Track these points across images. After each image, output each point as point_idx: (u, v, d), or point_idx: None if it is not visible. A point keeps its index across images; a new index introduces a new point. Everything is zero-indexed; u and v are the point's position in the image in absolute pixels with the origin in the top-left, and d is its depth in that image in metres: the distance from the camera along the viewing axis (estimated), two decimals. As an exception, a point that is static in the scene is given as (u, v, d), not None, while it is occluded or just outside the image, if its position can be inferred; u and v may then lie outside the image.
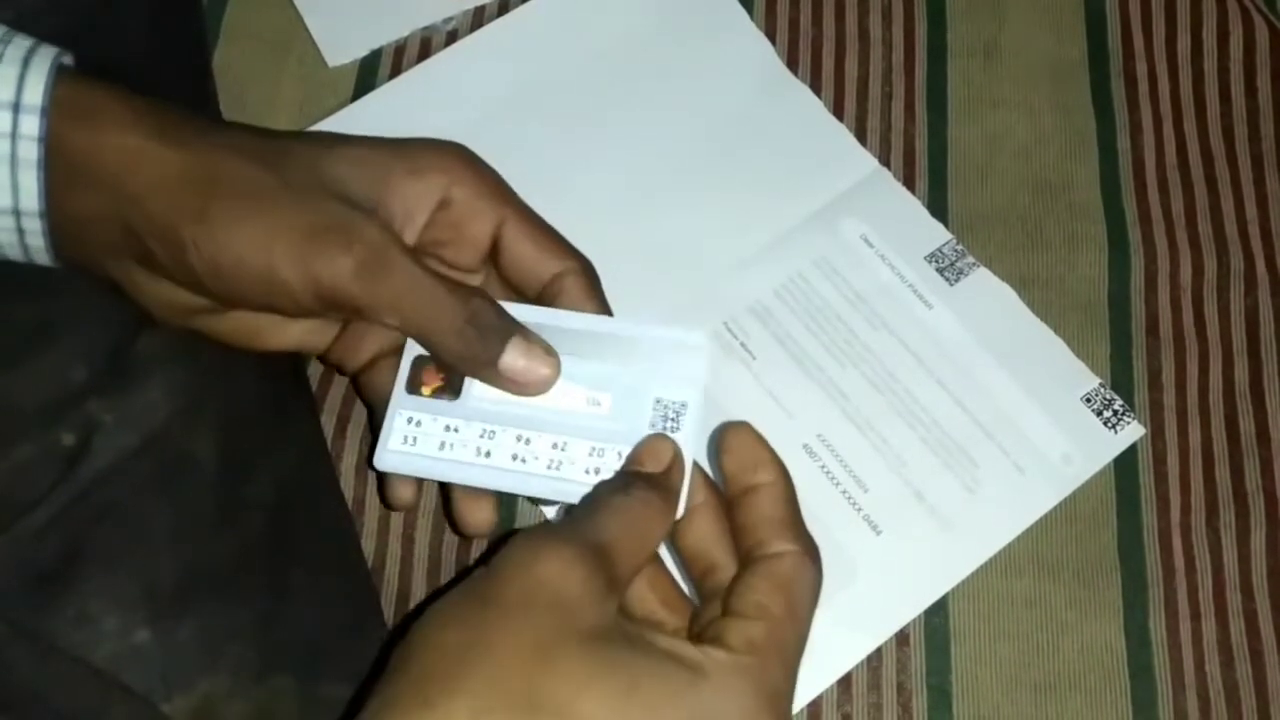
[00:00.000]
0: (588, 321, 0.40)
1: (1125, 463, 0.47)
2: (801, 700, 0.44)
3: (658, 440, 0.38)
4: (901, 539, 0.46)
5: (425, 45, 0.55)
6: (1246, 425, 0.48)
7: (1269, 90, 0.54)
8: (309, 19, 0.55)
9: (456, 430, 0.39)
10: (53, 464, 0.39)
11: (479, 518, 0.42)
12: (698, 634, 0.36)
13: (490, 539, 0.46)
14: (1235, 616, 0.45)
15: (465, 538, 0.46)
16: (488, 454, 0.39)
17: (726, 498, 0.39)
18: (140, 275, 0.39)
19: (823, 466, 0.47)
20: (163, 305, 0.40)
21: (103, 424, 0.40)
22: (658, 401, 0.38)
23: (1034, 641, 0.45)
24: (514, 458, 0.39)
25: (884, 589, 0.45)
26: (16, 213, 0.38)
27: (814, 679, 0.44)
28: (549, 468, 0.38)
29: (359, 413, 0.48)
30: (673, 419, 0.38)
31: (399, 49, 0.55)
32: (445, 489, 0.43)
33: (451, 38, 0.55)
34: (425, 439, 0.39)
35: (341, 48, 0.55)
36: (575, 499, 0.37)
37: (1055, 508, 0.46)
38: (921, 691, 0.44)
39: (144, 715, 0.38)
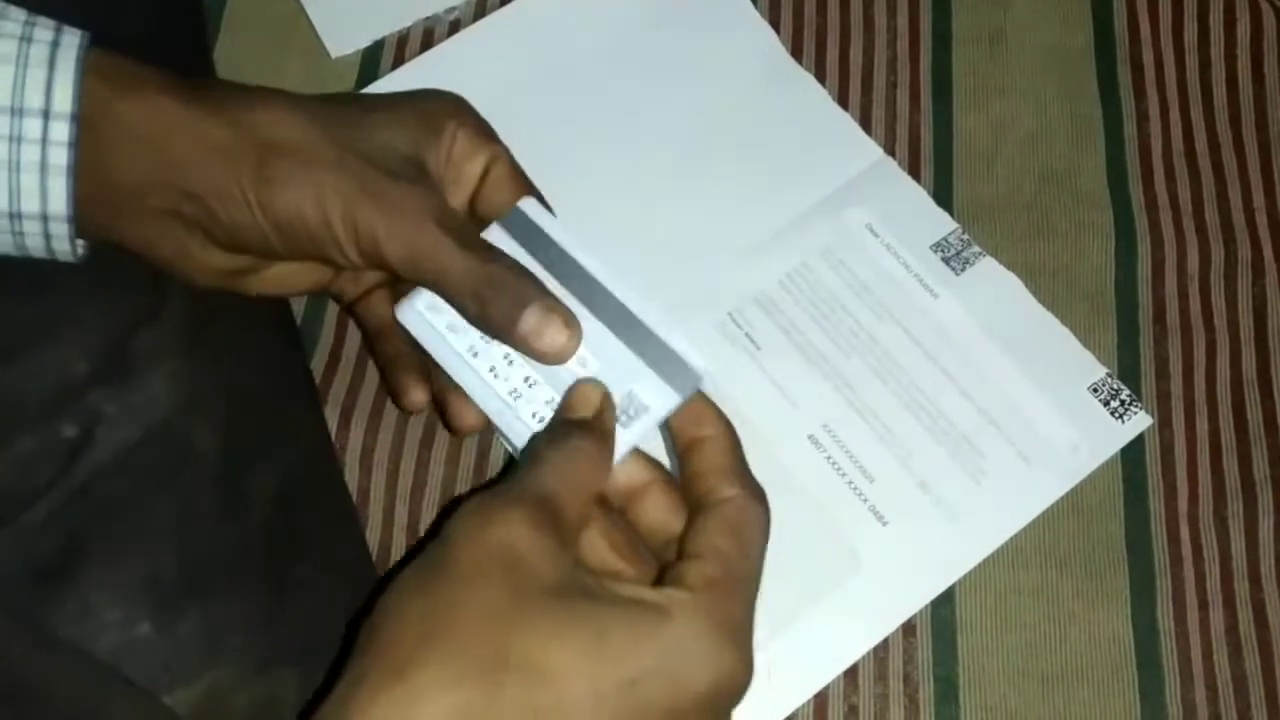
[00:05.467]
0: (625, 292, 0.40)
1: (1132, 453, 0.47)
2: (808, 692, 0.44)
3: (585, 386, 0.39)
4: (908, 530, 0.46)
5: (428, 35, 0.55)
6: (1254, 414, 0.48)
7: (1276, 77, 0.53)
8: (311, 10, 0.55)
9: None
10: (54, 456, 0.39)
11: (467, 419, 0.42)
12: (657, 581, 0.36)
13: (441, 506, 0.47)
14: (1243, 606, 0.45)
15: (455, 434, 0.47)
16: (475, 355, 0.40)
17: (676, 450, 0.39)
18: (191, 241, 0.40)
19: (828, 457, 0.47)
20: (204, 269, 0.41)
21: (104, 416, 0.40)
22: (630, 393, 0.39)
23: (1041, 632, 0.45)
24: (490, 369, 0.40)
25: (890, 580, 0.45)
26: (45, 217, 0.38)
27: (820, 670, 0.44)
28: (509, 394, 0.40)
29: (362, 404, 0.48)
30: (632, 415, 0.39)
31: (401, 39, 0.55)
32: (439, 390, 0.44)
33: (454, 28, 0.55)
34: (443, 315, 0.41)
35: (344, 38, 0.55)
36: (511, 433, 0.39)
37: (1062, 498, 0.46)
38: (928, 682, 0.44)
39: (146, 707, 0.38)
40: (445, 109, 0.42)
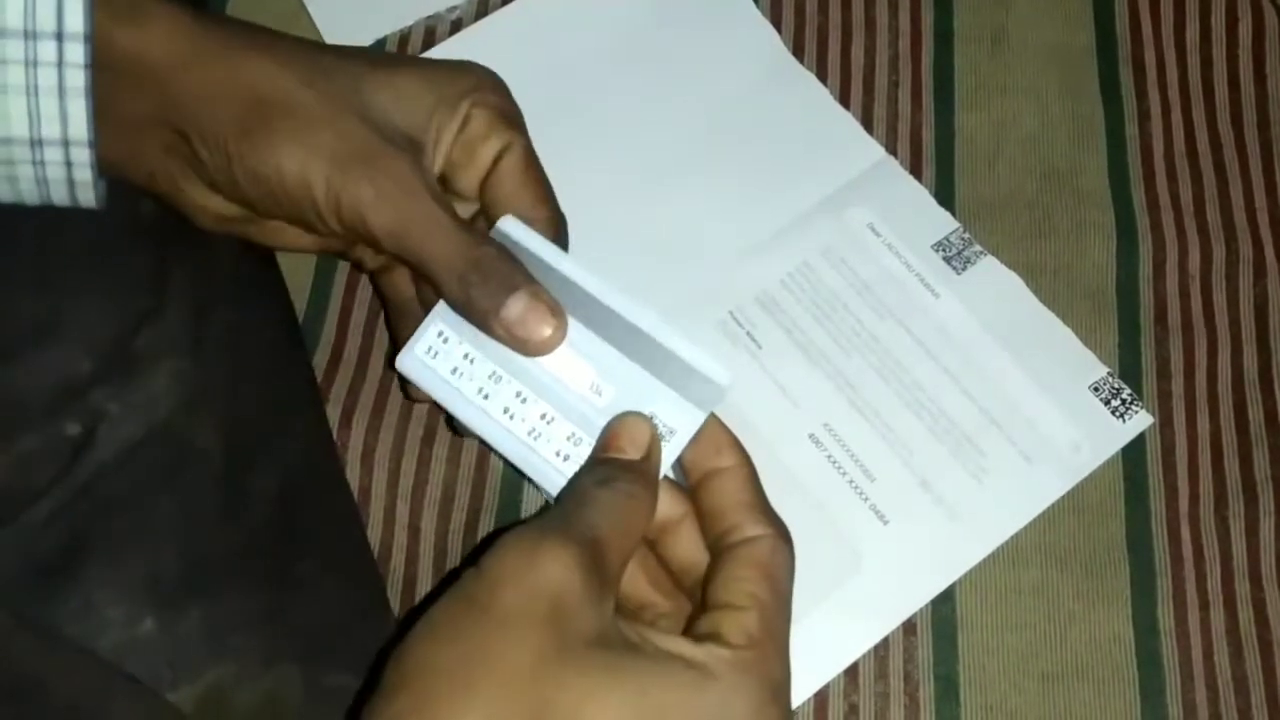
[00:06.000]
0: (631, 309, 0.39)
1: (1133, 452, 0.47)
2: (808, 690, 0.44)
3: (635, 422, 0.37)
4: (908, 528, 0.46)
5: (429, 34, 0.55)
6: (1255, 414, 0.48)
7: (1278, 77, 0.53)
8: (312, 8, 0.55)
9: (472, 362, 0.39)
10: (57, 455, 0.39)
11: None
12: (691, 631, 0.35)
13: (441, 505, 0.47)
14: (1244, 606, 0.45)
15: (410, 400, 0.46)
16: (486, 396, 0.39)
17: (688, 479, 0.38)
18: (186, 180, 0.40)
19: (829, 456, 0.47)
20: (203, 211, 0.41)
21: (107, 415, 0.40)
22: (653, 417, 0.37)
23: (1041, 631, 0.45)
24: (505, 411, 0.39)
25: (891, 578, 0.45)
26: (66, 143, 0.38)
27: (820, 669, 0.44)
28: (528, 434, 0.38)
29: (364, 403, 0.48)
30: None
31: (403, 38, 0.55)
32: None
33: (456, 26, 0.55)
34: (444, 358, 0.39)
35: (345, 37, 0.55)
36: (535, 474, 0.38)
37: (1063, 497, 0.46)
38: (928, 681, 0.44)
39: (149, 705, 0.38)
40: (464, 85, 0.41)
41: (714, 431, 0.38)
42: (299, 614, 0.41)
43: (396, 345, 0.45)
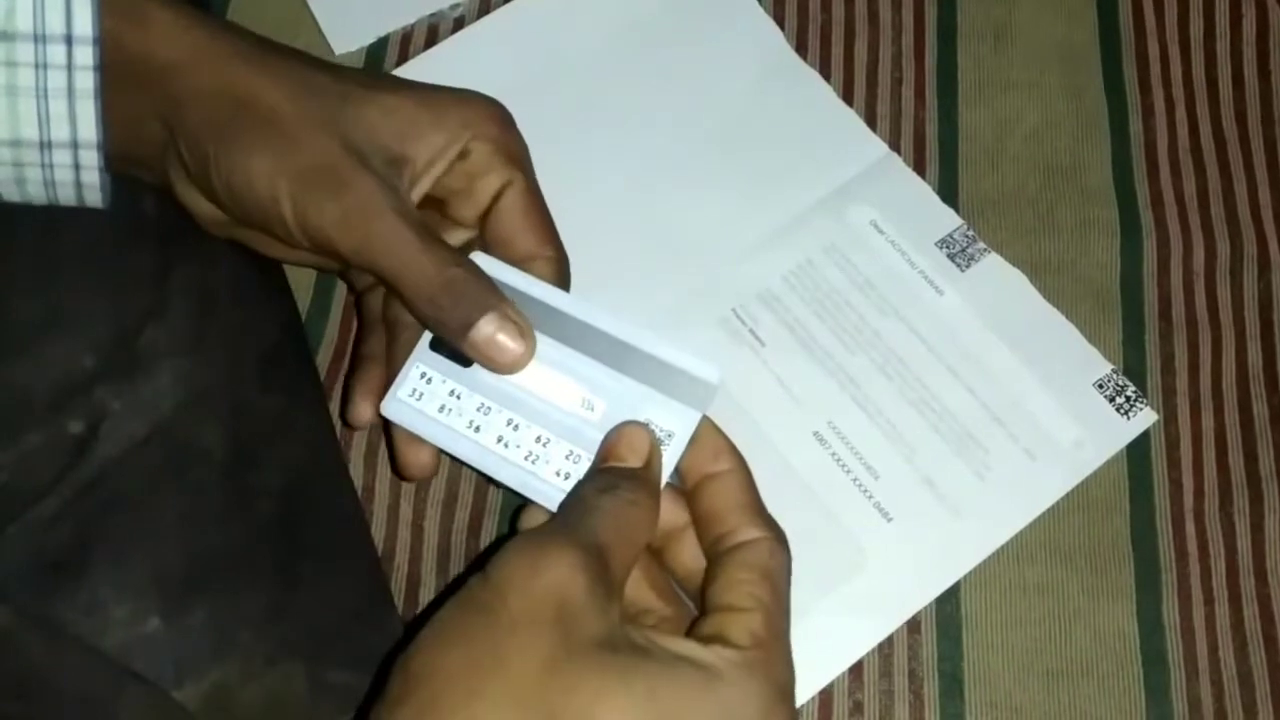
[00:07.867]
0: (610, 323, 0.39)
1: (1138, 449, 0.47)
2: (813, 688, 0.44)
3: (634, 430, 0.37)
4: (912, 526, 0.46)
5: (432, 32, 0.55)
6: (1260, 410, 0.47)
7: (1282, 73, 0.53)
8: (315, 6, 0.55)
9: (458, 397, 0.39)
10: (61, 452, 0.39)
11: (421, 460, 0.42)
12: (694, 633, 0.35)
13: (444, 504, 0.46)
14: (1249, 602, 0.45)
15: (405, 480, 0.46)
16: (477, 429, 0.39)
17: (685, 483, 0.38)
18: (179, 181, 0.41)
19: (833, 454, 0.47)
20: (199, 213, 0.42)
21: (111, 412, 0.40)
22: (649, 423, 0.38)
23: (1046, 628, 0.45)
24: (499, 440, 0.39)
25: (895, 576, 0.45)
26: (74, 145, 0.39)
27: (825, 667, 0.44)
28: (526, 459, 0.38)
29: (367, 401, 0.48)
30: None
31: (405, 36, 0.55)
32: (388, 431, 0.43)
33: (458, 24, 0.55)
34: (430, 398, 0.39)
35: (348, 35, 0.55)
36: (539, 497, 0.38)
37: (1067, 494, 0.46)
38: (933, 679, 0.44)
39: (155, 702, 0.38)
40: (466, 115, 0.41)
41: (710, 436, 0.38)
42: (303, 612, 0.41)
43: (353, 365, 0.44)
